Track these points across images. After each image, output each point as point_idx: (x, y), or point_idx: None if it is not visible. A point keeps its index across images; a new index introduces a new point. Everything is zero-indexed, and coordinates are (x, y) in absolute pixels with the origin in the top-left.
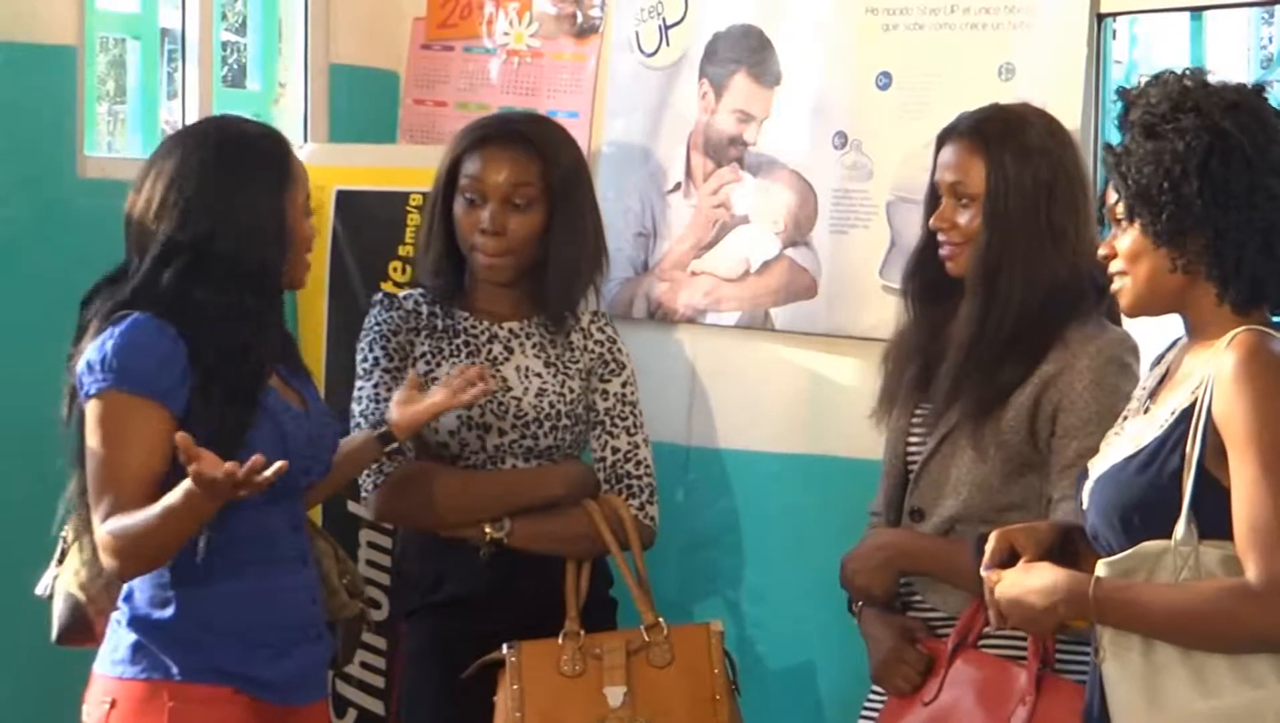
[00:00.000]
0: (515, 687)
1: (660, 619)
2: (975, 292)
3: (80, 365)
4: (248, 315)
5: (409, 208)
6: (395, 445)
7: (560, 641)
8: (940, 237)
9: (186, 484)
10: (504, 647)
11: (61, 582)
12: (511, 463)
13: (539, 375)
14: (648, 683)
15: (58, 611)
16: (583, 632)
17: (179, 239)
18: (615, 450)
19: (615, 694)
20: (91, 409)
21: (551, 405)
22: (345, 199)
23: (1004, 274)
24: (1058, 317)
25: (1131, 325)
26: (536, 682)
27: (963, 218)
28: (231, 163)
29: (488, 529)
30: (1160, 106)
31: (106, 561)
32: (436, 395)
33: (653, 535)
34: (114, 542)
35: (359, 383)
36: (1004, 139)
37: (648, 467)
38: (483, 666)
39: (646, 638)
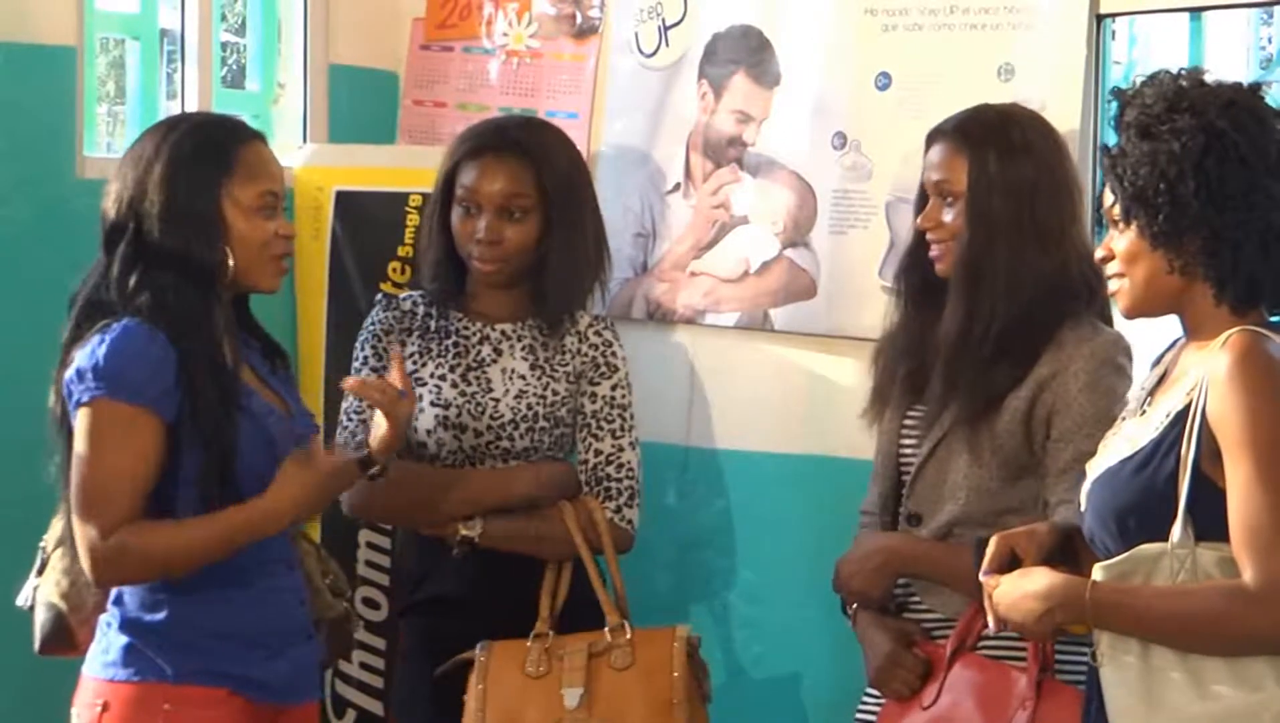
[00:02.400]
0: (480, 687)
1: (625, 622)
2: (958, 290)
3: (69, 373)
4: (200, 313)
5: (408, 208)
6: (376, 469)
7: (529, 641)
8: (929, 237)
9: (261, 505)
10: (478, 647)
11: (43, 592)
12: (490, 464)
13: (522, 377)
14: (606, 685)
15: (39, 621)
16: (552, 633)
17: (122, 234)
18: (598, 453)
19: (572, 695)
20: (83, 418)
21: (529, 407)
22: (345, 200)
23: (987, 272)
24: (1049, 318)
25: (1128, 326)
26: (500, 682)
27: (948, 216)
28: (167, 150)
29: (461, 528)
30: (1155, 107)
31: (102, 569)
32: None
33: (630, 539)
34: (133, 553)
35: None
36: (987, 138)
37: (630, 470)
38: (457, 664)
39: (609, 640)
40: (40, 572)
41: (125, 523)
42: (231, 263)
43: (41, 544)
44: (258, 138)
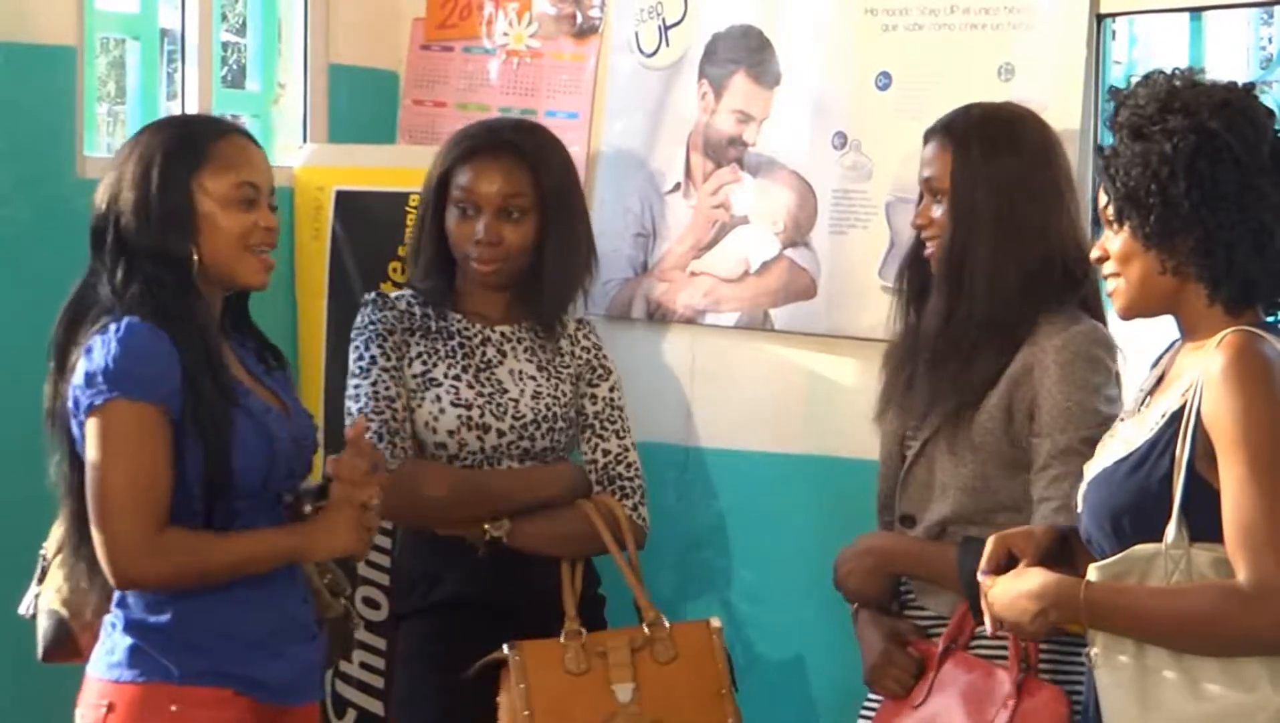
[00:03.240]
0: (521, 686)
1: (662, 616)
2: (940, 285)
3: (77, 379)
4: (185, 308)
5: (409, 208)
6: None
7: (562, 639)
8: (923, 235)
9: (302, 531)
10: (505, 647)
11: (44, 599)
12: (507, 464)
13: (533, 378)
14: (654, 679)
15: (42, 628)
16: (584, 630)
17: (104, 235)
18: (606, 453)
19: (624, 691)
20: (99, 421)
21: (548, 407)
22: (345, 200)
23: (967, 267)
24: (1028, 311)
25: (1126, 326)
26: (542, 680)
27: (937, 213)
28: (140, 149)
29: (487, 527)
30: (1148, 108)
31: (140, 567)
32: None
33: (645, 535)
34: (178, 557)
35: (355, 381)
36: (971, 134)
37: (637, 469)
38: (483, 666)
39: (649, 635)
40: (41, 579)
41: (163, 523)
42: (197, 257)
43: (42, 552)
44: (237, 132)
